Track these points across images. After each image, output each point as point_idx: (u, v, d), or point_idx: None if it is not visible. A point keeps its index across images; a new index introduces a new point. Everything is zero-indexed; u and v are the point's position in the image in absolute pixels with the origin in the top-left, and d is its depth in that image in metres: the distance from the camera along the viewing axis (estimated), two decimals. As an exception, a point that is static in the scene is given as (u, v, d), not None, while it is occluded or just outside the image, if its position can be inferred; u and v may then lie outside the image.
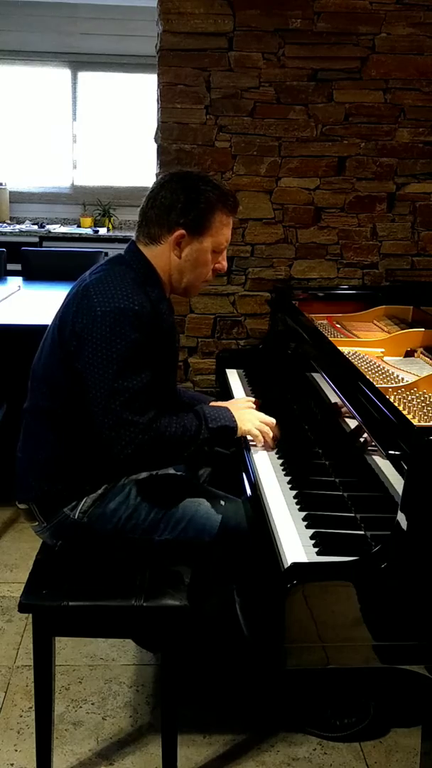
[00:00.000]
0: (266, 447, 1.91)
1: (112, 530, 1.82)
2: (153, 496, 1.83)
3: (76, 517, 1.81)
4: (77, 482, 1.81)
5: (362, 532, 1.51)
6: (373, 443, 1.51)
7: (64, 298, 1.85)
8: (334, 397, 1.85)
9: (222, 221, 1.82)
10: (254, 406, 1.99)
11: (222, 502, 1.89)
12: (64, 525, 1.82)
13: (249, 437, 1.92)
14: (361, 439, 1.65)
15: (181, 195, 1.78)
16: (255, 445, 1.92)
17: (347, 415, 1.75)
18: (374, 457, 1.54)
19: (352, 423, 1.73)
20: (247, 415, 1.90)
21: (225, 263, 1.89)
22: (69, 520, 1.81)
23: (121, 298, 1.69)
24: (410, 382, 1.96)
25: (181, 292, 1.91)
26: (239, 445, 2.00)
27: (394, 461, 1.37)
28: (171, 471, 1.95)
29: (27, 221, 5.85)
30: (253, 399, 2.06)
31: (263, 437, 1.89)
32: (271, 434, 1.90)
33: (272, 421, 1.92)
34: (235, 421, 1.84)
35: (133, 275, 1.77)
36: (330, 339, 2.22)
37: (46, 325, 1.89)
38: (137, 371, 1.68)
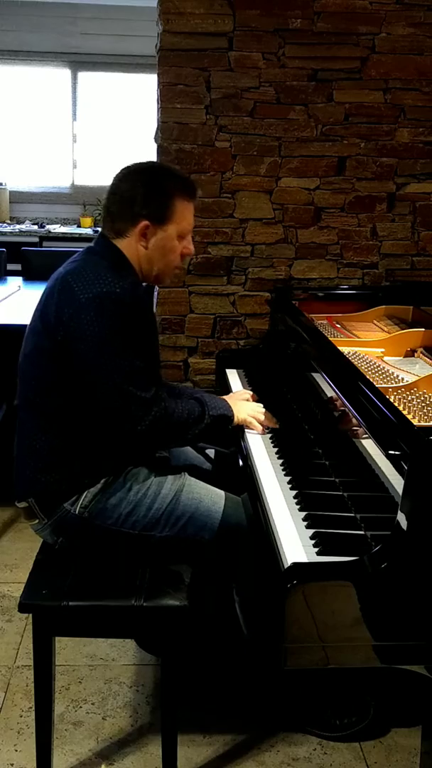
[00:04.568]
0: (261, 431, 2.06)
1: (112, 526, 1.82)
2: (153, 493, 1.84)
3: (76, 512, 1.81)
4: (75, 474, 1.81)
5: (362, 532, 1.51)
6: (373, 443, 1.51)
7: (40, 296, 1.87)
8: (334, 397, 1.85)
9: (183, 207, 1.85)
10: (250, 399, 2.14)
11: (223, 500, 1.89)
12: (64, 520, 1.82)
13: (245, 427, 2.06)
14: (361, 439, 1.65)
15: (141, 187, 1.81)
16: (251, 432, 2.06)
17: (342, 408, 1.75)
18: (374, 457, 1.54)
19: (352, 423, 1.73)
20: (242, 405, 2.05)
21: (192, 247, 1.93)
22: (70, 515, 1.81)
23: (101, 283, 1.72)
24: (410, 382, 1.96)
25: (152, 281, 1.94)
26: (238, 444, 2.01)
27: (394, 461, 1.37)
28: (172, 468, 1.95)
29: (27, 221, 5.85)
30: (251, 393, 2.15)
31: (257, 423, 2.05)
32: (263, 418, 2.06)
33: (262, 409, 2.08)
34: (232, 411, 1.97)
35: (107, 263, 1.80)
36: (330, 339, 2.22)
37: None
38: (131, 349, 1.73)
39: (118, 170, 1.88)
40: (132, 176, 1.84)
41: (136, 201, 1.81)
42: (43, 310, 1.81)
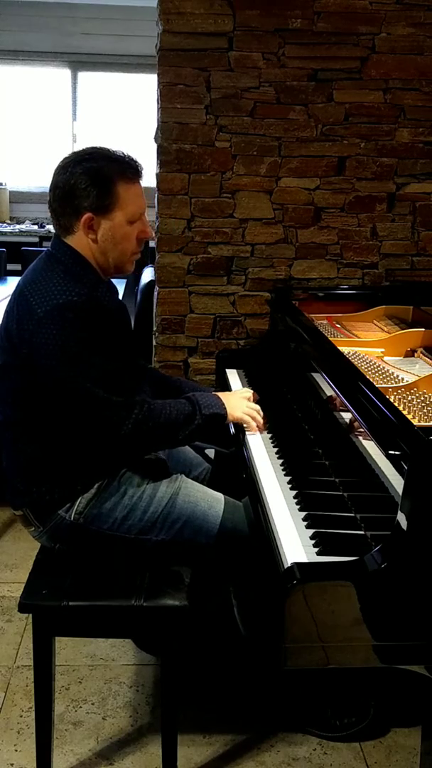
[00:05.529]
0: (258, 430, 2.01)
1: (108, 530, 1.81)
2: (149, 497, 1.83)
3: (71, 518, 1.80)
4: (66, 483, 1.79)
5: (362, 532, 1.51)
6: (373, 443, 1.51)
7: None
8: (332, 394, 1.85)
9: (127, 191, 1.76)
10: (251, 397, 2.07)
11: (221, 504, 1.88)
12: (60, 527, 1.81)
13: (246, 428, 2.01)
14: (361, 439, 1.65)
15: (79, 177, 1.73)
16: (250, 432, 2.01)
17: (342, 407, 1.75)
18: (374, 457, 1.54)
19: (352, 423, 1.73)
20: (237, 403, 1.97)
21: (148, 230, 1.83)
22: (65, 522, 1.80)
23: (57, 293, 1.68)
24: (410, 382, 1.96)
25: (113, 272, 1.85)
26: (238, 445, 2.01)
27: (394, 461, 1.37)
28: (168, 471, 1.95)
29: (27, 221, 5.85)
30: (251, 392, 2.10)
31: (254, 421, 1.98)
32: (260, 418, 2.00)
33: (257, 407, 2.02)
34: (225, 408, 1.89)
35: (62, 267, 1.76)
36: (330, 339, 2.22)
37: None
38: (99, 355, 1.68)
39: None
40: (68, 168, 1.75)
41: (75, 194, 1.73)
42: (5, 326, 1.77)
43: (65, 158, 1.78)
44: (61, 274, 1.73)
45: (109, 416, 1.69)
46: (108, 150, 1.80)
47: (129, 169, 1.77)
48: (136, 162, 1.81)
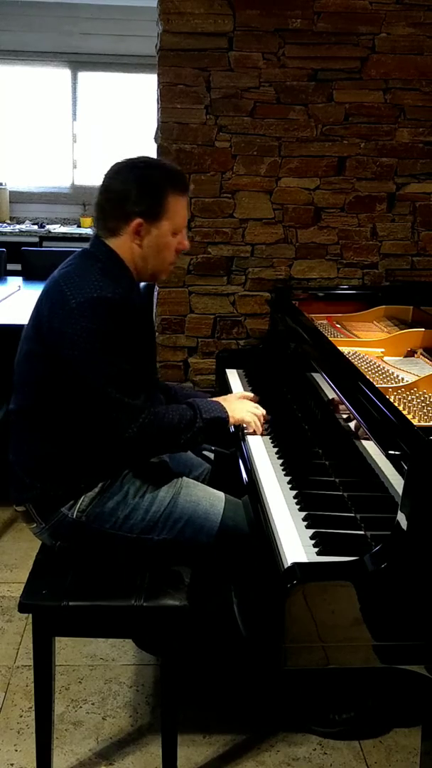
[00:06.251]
0: (259, 431, 2.02)
1: (110, 530, 1.82)
2: (151, 496, 1.83)
3: (74, 516, 1.80)
4: (71, 479, 1.80)
5: (362, 532, 1.51)
6: (373, 443, 1.51)
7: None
8: (334, 397, 1.85)
9: (176, 203, 1.82)
10: (251, 398, 2.09)
11: (222, 503, 1.89)
12: (62, 525, 1.82)
13: (245, 429, 2.03)
14: (361, 439, 1.65)
15: (132, 184, 1.78)
16: (249, 432, 2.02)
17: (345, 411, 1.75)
18: (374, 457, 1.54)
19: (352, 423, 1.73)
20: (238, 405, 2.00)
21: (186, 242, 1.90)
22: (67, 519, 1.81)
23: (92, 288, 1.71)
24: (410, 382, 1.96)
25: (149, 278, 1.93)
26: (238, 445, 2.01)
27: (394, 461, 1.37)
28: (170, 471, 1.95)
29: (27, 221, 5.85)
30: (252, 395, 2.10)
31: (255, 422, 2.00)
32: (262, 419, 2.02)
33: (258, 407, 2.05)
34: (226, 412, 1.91)
35: (100, 266, 1.79)
36: (330, 339, 2.22)
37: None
38: (122, 355, 1.71)
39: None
40: (123, 173, 1.81)
41: (128, 199, 1.78)
42: (36, 315, 1.80)
43: (118, 163, 1.84)
44: (98, 272, 1.77)
45: (116, 417, 1.71)
46: (160, 161, 1.91)
47: (180, 182, 1.86)
48: (185, 176, 1.89)
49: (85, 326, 1.67)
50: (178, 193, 1.83)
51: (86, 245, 1.89)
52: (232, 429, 2.07)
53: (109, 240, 1.83)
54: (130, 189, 1.78)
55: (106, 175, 1.84)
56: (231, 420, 1.93)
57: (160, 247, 1.84)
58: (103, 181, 1.84)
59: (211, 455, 2.23)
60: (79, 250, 1.89)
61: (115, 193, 1.80)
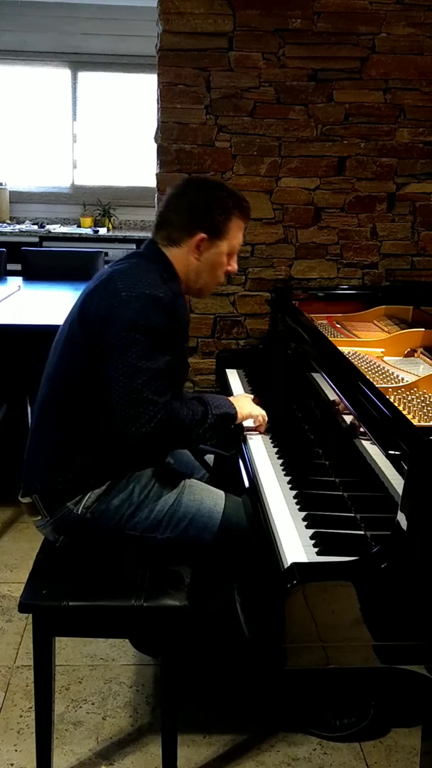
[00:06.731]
0: (263, 428, 2.07)
1: (114, 527, 1.82)
2: (156, 495, 1.84)
3: (79, 512, 1.81)
4: (82, 474, 1.81)
5: (362, 532, 1.51)
6: (373, 443, 1.51)
7: (79, 294, 1.89)
8: (334, 397, 1.85)
9: (238, 226, 1.92)
10: (253, 398, 2.11)
11: (222, 501, 1.89)
12: (67, 519, 1.83)
13: (246, 431, 2.06)
14: (361, 439, 1.65)
15: (202, 200, 1.87)
16: (253, 429, 2.07)
17: (345, 411, 1.76)
18: (374, 457, 1.54)
19: (352, 423, 1.73)
20: (244, 402, 2.04)
21: (235, 266, 1.98)
22: (72, 514, 1.81)
23: (146, 285, 1.75)
24: (410, 382, 1.96)
25: (195, 293, 1.98)
26: (238, 446, 2.01)
27: (394, 461, 1.37)
28: (174, 472, 1.96)
29: (27, 221, 5.85)
30: (252, 396, 2.11)
31: (263, 415, 2.05)
32: (266, 417, 2.06)
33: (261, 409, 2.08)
34: (234, 408, 1.95)
35: (155, 268, 1.83)
36: (330, 339, 2.22)
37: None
38: (159, 353, 1.73)
39: (177, 182, 1.93)
40: (194, 188, 1.90)
41: (196, 213, 1.86)
42: (83, 303, 1.83)
43: (188, 178, 1.94)
44: (154, 272, 1.81)
45: (138, 411, 1.70)
46: (228, 185, 2.02)
47: (246, 208, 1.94)
48: (248, 204, 1.97)
49: (131, 317, 1.70)
50: (241, 218, 1.92)
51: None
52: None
53: (167, 249, 1.88)
54: (199, 204, 1.86)
55: (176, 187, 1.92)
56: (239, 417, 1.96)
57: (215, 264, 1.90)
58: (172, 192, 1.91)
59: (211, 459, 2.22)
60: (132, 251, 1.95)
61: (186, 205, 1.87)
